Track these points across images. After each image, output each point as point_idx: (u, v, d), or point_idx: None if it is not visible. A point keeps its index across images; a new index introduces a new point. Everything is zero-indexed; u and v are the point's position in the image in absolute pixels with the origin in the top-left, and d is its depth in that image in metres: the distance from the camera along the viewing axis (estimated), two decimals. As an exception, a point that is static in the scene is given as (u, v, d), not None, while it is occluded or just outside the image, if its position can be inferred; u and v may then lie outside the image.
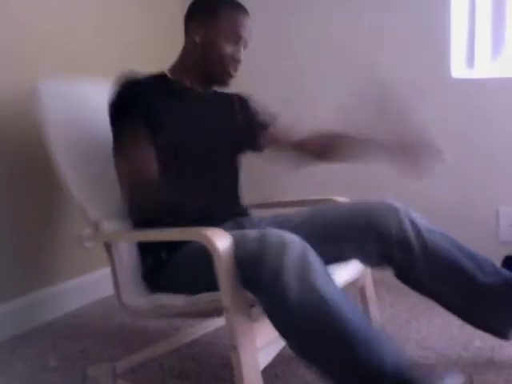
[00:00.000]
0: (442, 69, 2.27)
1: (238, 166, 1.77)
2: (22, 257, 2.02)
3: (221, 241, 1.25)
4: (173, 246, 1.51)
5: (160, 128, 1.53)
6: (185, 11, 1.68)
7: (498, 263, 2.21)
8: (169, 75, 1.66)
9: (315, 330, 1.16)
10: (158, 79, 1.63)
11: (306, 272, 1.18)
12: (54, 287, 2.13)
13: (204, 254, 1.34)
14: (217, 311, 1.29)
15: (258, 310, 1.26)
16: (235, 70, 1.64)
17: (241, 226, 1.60)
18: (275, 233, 1.26)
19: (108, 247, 1.61)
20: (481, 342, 1.72)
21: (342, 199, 1.79)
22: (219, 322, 1.88)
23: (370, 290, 1.76)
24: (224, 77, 1.64)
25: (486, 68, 2.31)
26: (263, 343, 1.27)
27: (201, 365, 1.68)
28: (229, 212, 1.67)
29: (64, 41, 2.05)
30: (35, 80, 1.73)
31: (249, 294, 1.24)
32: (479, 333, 1.55)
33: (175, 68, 1.68)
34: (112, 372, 1.59)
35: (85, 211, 1.64)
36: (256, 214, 1.79)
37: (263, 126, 1.82)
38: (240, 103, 1.81)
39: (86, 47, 2.20)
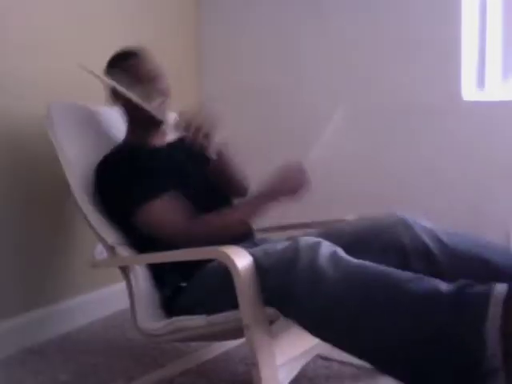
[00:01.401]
0: (453, 92, 2.30)
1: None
2: (35, 271, 2.03)
3: (240, 258, 1.27)
4: (189, 272, 1.53)
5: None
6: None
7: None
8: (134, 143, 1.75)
9: (363, 296, 1.16)
10: (130, 148, 1.72)
11: (339, 259, 1.22)
12: (66, 301, 2.14)
13: (222, 273, 1.36)
14: (236, 331, 1.30)
15: (277, 326, 1.27)
16: (166, 97, 1.72)
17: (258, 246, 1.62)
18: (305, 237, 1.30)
19: (124, 271, 1.63)
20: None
21: (352, 218, 1.81)
22: (230, 341, 1.88)
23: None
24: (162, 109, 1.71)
25: (496, 89, 2.33)
26: (283, 360, 1.28)
27: (214, 383, 1.69)
28: (243, 236, 1.70)
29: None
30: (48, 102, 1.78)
31: (269, 311, 1.26)
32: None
33: (134, 137, 1.77)
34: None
35: (101, 235, 1.66)
36: (268, 236, 1.82)
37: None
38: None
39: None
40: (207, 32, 2.81)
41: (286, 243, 1.33)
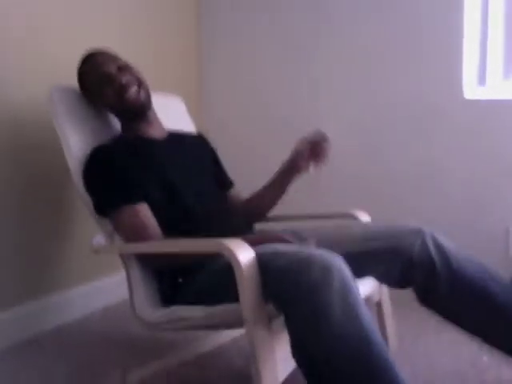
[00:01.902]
0: (455, 90, 2.30)
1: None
2: (32, 262, 2.02)
3: (242, 252, 1.25)
4: (187, 268, 1.52)
5: (147, 179, 1.60)
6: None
7: (508, 279, 2.21)
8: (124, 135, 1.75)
9: (351, 352, 1.14)
10: (121, 140, 1.71)
11: (348, 294, 1.17)
12: (64, 293, 2.13)
13: (222, 266, 1.35)
14: (236, 323, 1.29)
15: (277, 322, 1.26)
16: (127, 91, 1.68)
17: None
18: (318, 251, 1.26)
19: (123, 258, 1.62)
20: (488, 358, 1.72)
21: (360, 213, 1.80)
22: (229, 334, 1.89)
23: (387, 306, 1.77)
24: (129, 103, 1.69)
25: (497, 87, 2.33)
26: (282, 355, 1.27)
27: (210, 376, 1.68)
28: (243, 227, 1.69)
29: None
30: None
31: (270, 307, 1.25)
32: (487, 349, 1.54)
33: (123, 132, 1.77)
34: (122, 381, 1.59)
35: (100, 221, 1.65)
36: (275, 227, 1.81)
37: (226, 182, 1.93)
38: (202, 142, 1.93)
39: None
40: (207, 31, 2.79)
41: (296, 246, 1.31)
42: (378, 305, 1.75)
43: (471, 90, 2.31)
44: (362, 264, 1.44)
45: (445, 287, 1.46)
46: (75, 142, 1.69)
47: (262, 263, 1.27)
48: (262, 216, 1.89)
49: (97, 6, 2.23)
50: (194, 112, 2.61)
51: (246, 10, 2.69)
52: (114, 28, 2.32)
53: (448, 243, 1.51)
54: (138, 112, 1.71)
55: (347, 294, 1.17)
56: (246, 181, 2.53)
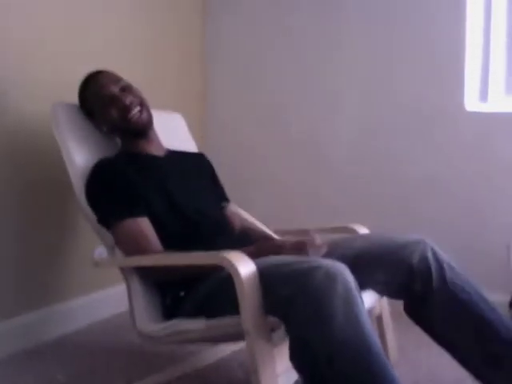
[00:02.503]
0: (456, 102, 2.31)
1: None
2: (33, 272, 2.02)
3: (243, 264, 1.26)
4: (188, 282, 1.52)
5: (148, 194, 1.61)
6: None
7: (509, 295, 2.21)
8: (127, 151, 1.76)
9: (352, 358, 1.15)
10: (124, 155, 1.73)
11: (351, 300, 1.18)
12: (65, 304, 2.13)
13: (223, 279, 1.36)
14: (237, 335, 1.29)
15: (278, 335, 1.26)
16: (131, 112, 1.70)
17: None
18: (322, 260, 1.27)
19: (124, 272, 1.62)
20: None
21: (358, 227, 1.81)
22: (230, 347, 1.88)
23: (387, 319, 1.77)
24: (132, 123, 1.71)
25: (499, 103, 2.34)
26: (283, 368, 1.27)
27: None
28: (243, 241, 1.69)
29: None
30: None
31: (270, 319, 1.25)
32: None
33: (124, 149, 1.79)
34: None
35: (102, 234, 1.66)
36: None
37: (222, 199, 1.94)
38: (202, 160, 1.96)
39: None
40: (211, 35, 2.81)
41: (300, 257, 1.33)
42: (379, 318, 1.75)
43: (472, 105, 2.32)
44: (363, 275, 1.44)
45: (436, 301, 1.48)
46: (77, 156, 1.71)
47: (265, 274, 1.27)
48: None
49: (96, 16, 2.24)
50: (197, 123, 2.63)
51: (250, 18, 2.71)
52: (115, 40, 2.33)
53: (447, 259, 1.52)
54: (140, 131, 1.74)
55: (350, 300, 1.18)
56: (248, 187, 2.55)
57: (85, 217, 1.68)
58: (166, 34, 2.60)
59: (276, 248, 1.46)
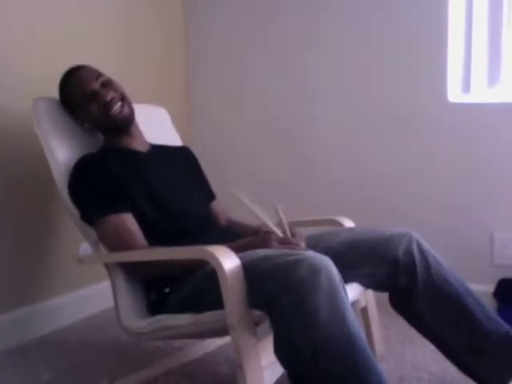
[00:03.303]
0: (439, 93, 2.31)
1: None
2: (16, 271, 2.01)
3: (226, 258, 1.26)
4: (173, 278, 1.52)
5: (134, 188, 1.61)
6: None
7: (493, 286, 2.23)
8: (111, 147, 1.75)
9: (337, 353, 1.15)
10: (106, 151, 1.72)
11: (335, 295, 1.18)
12: (48, 301, 2.12)
13: (208, 273, 1.35)
14: (222, 329, 1.29)
15: (263, 328, 1.26)
16: (112, 108, 1.69)
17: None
18: (306, 253, 1.26)
19: (108, 268, 1.61)
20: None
21: (343, 219, 1.81)
22: (215, 341, 1.89)
23: (373, 311, 1.77)
24: (113, 119, 1.70)
25: (482, 94, 2.35)
26: (269, 361, 1.27)
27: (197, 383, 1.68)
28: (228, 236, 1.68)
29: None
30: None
31: (255, 312, 1.25)
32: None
33: (106, 145, 1.77)
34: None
35: (86, 231, 1.64)
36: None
37: (208, 193, 1.93)
38: (186, 153, 1.94)
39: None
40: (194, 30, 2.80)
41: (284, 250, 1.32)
42: (364, 310, 1.75)
43: (456, 97, 2.33)
44: (348, 268, 1.44)
45: (420, 292, 1.49)
46: (60, 152, 1.70)
47: (249, 268, 1.27)
48: None
49: (83, 15, 2.23)
50: (181, 119, 2.62)
51: (234, 11, 2.69)
52: (99, 35, 2.32)
53: (432, 252, 1.53)
54: (121, 127, 1.73)
55: (335, 294, 1.18)
56: (233, 182, 2.54)
57: (68, 214, 1.66)
58: (149, 27, 2.58)
59: (263, 241, 1.45)
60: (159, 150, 1.82)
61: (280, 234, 1.48)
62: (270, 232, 1.48)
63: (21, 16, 1.98)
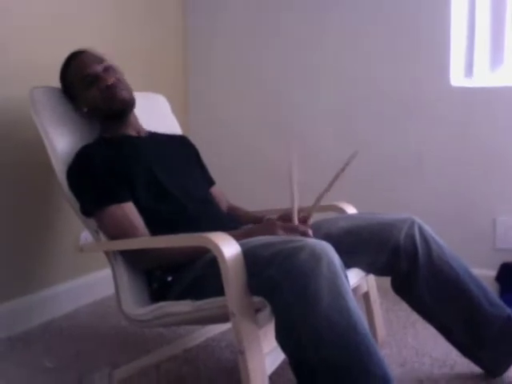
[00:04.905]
0: (442, 77, 2.29)
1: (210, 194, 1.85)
2: (18, 258, 2.01)
3: (227, 245, 1.25)
4: (175, 267, 1.51)
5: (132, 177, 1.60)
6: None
7: (495, 270, 2.23)
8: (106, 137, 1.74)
9: (339, 340, 1.14)
10: (105, 141, 1.71)
11: (336, 281, 1.17)
12: (50, 289, 2.12)
13: (209, 260, 1.35)
14: (223, 316, 1.28)
15: (264, 315, 1.26)
16: (112, 92, 1.69)
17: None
18: (307, 239, 1.25)
19: (109, 256, 1.61)
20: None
21: (345, 205, 1.81)
22: (217, 327, 1.89)
23: (374, 296, 1.77)
24: (113, 104, 1.69)
25: (484, 78, 2.33)
26: (270, 348, 1.27)
27: (199, 370, 1.68)
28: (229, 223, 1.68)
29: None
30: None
31: (256, 299, 1.24)
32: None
33: (103, 133, 1.76)
34: (108, 377, 1.58)
35: (85, 220, 1.64)
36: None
37: (208, 180, 1.92)
38: (185, 142, 1.94)
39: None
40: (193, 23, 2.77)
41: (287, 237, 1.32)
42: (366, 295, 1.75)
43: (458, 80, 2.31)
44: (349, 254, 1.43)
45: (422, 276, 1.49)
46: (59, 142, 1.69)
47: (249, 255, 1.26)
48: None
49: (82, 3, 2.20)
50: (179, 108, 2.60)
51: (234, 9, 2.67)
52: (98, 24, 2.29)
53: (434, 237, 1.53)
54: (120, 112, 1.72)
55: (336, 281, 1.17)
56: (234, 178, 2.55)
57: (68, 202, 1.66)
58: (144, 12, 2.55)
59: (266, 230, 1.44)
60: (158, 138, 1.81)
61: (296, 222, 1.47)
62: (274, 220, 1.47)
63: (14, 3, 1.96)
